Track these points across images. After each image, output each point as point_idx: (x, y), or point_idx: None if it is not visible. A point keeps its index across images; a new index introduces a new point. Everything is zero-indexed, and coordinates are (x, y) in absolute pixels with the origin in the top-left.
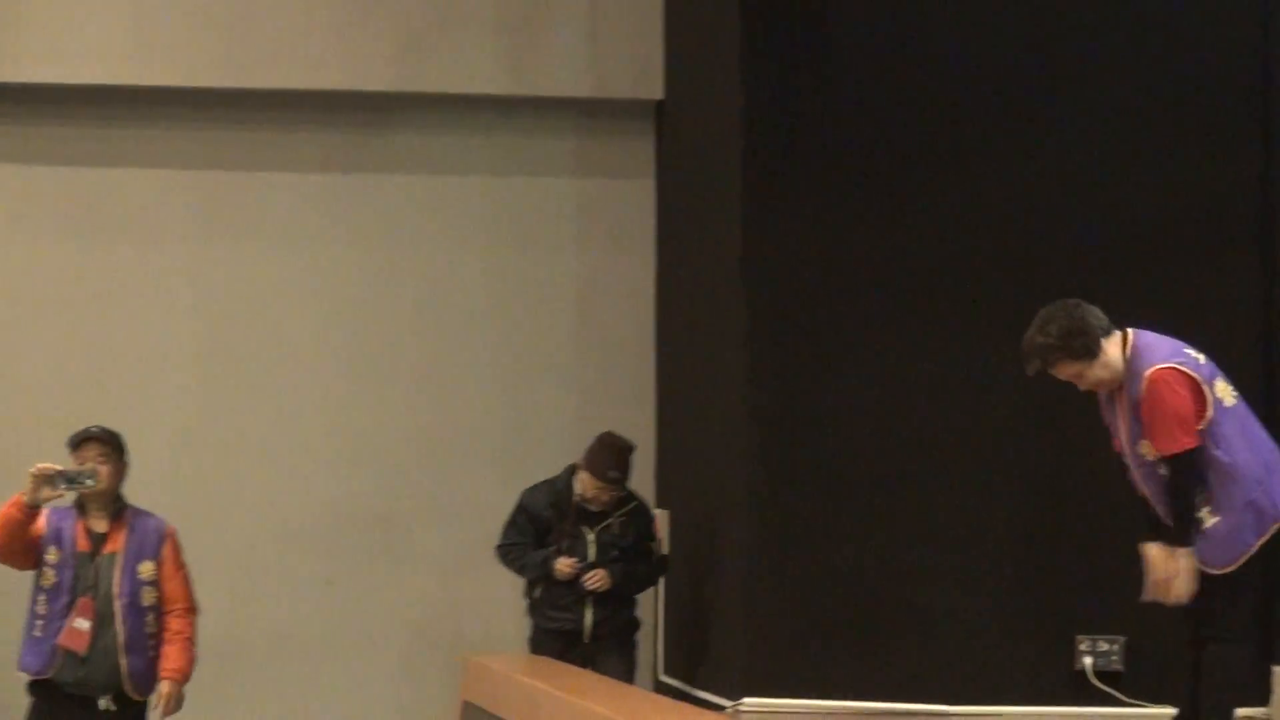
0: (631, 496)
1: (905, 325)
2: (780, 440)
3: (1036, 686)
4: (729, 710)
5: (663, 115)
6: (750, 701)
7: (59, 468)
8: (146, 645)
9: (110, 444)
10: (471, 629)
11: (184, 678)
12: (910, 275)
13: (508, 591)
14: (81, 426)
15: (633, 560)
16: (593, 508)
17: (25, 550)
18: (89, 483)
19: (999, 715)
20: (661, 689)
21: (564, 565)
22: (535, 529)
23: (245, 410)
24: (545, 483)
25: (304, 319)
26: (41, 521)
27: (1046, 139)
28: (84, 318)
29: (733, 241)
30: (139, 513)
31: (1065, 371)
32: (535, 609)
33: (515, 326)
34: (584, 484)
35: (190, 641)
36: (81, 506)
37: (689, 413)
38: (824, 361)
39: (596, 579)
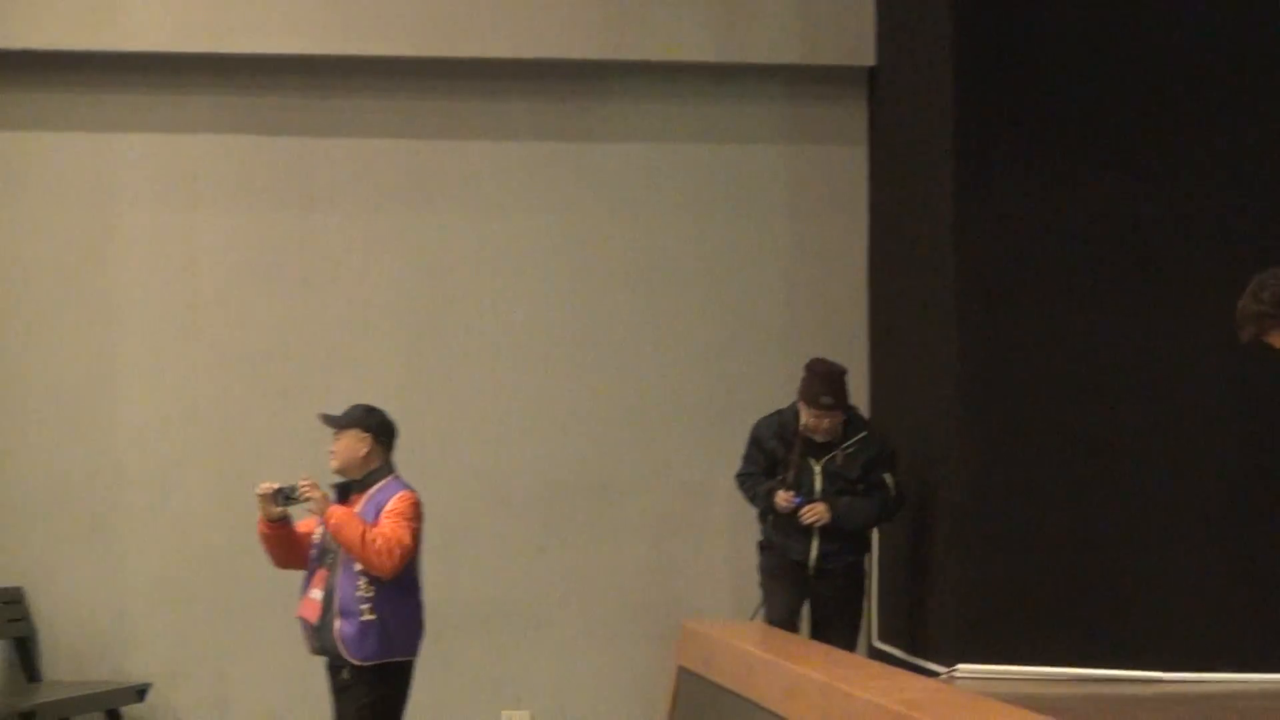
0: (861, 427)
1: (1116, 291)
2: (991, 407)
3: (1249, 652)
4: (943, 676)
5: (875, 81)
6: (964, 668)
7: (276, 486)
8: (358, 610)
9: (336, 425)
10: (683, 595)
11: (337, 514)
12: (1122, 242)
13: (719, 558)
14: (295, 396)
15: (860, 494)
16: (818, 438)
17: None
18: (298, 496)
19: (1212, 682)
20: (875, 655)
21: (781, 498)
22: (765, 459)
23: (457, 380)
24: (775, 413)
25: (515, 288)
26: (313, 521)
27: (1272, 99)
28: (298, 287)
29: (944, 208)
30: (389, 485)
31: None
32: (767, 537)
33: (726, 294)
34: (803, 414)
35: (370, 534)
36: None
37: (901, 380)
38: (1034, 328)
39: (813, 513)
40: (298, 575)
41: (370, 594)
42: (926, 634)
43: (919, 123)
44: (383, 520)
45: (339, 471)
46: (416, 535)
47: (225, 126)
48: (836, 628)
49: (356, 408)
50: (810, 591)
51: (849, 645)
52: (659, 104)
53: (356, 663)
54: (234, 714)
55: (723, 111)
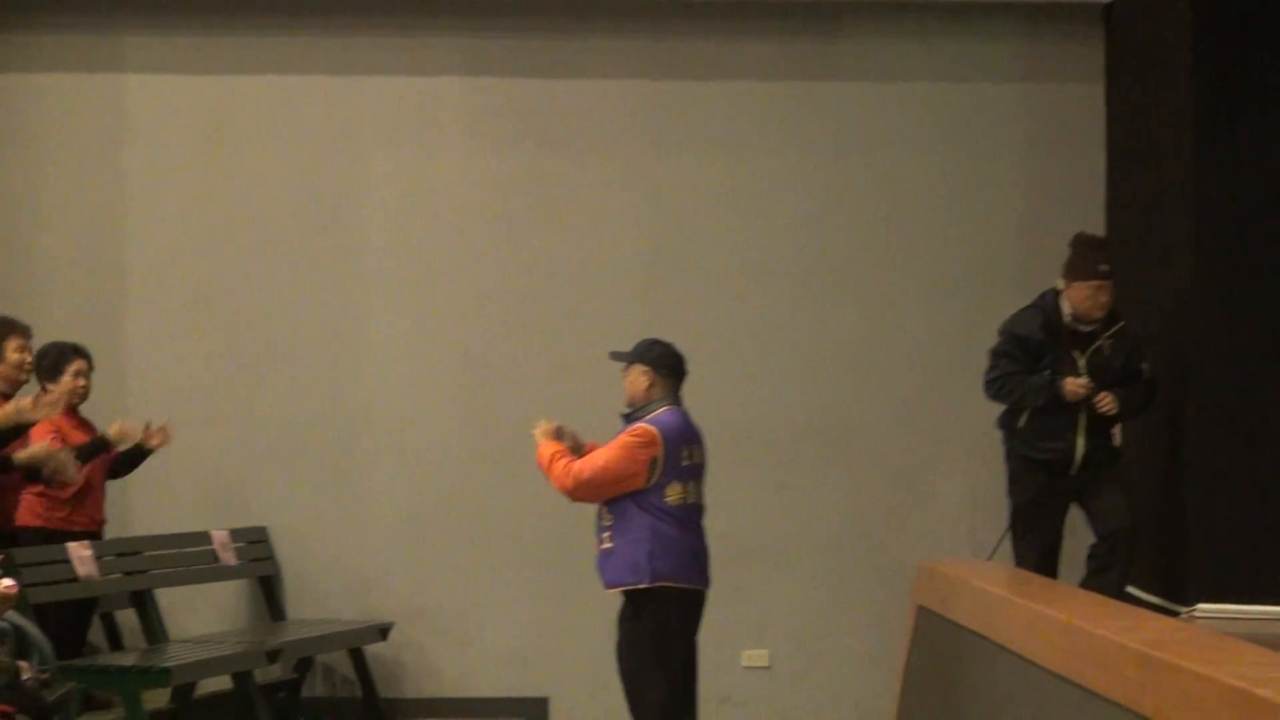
0: (1117, 315)
1: None
2: (1235, 349)
3: None
4: (1183, 615)
5: (1111, 17)
6: (1204, 607)
7: (557, 424)
8: (601, 537)
9: (623, 360)
10: (920, 534)
11: (544, 435)
12: None
13: (956, 498)
14: (534, 336)
15: (1125, 383)
16: (1084, 327)
17: None
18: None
19: None
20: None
21: (1075, 386)
22: (1027, 356)
23: (695, 321)
24: (1030, 308)
25: (751, 229)
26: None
27: None
28: (537, 228)
29: (1183, 149)
30: (649, 417)
31: None
32: (1020, 440)
33: (963, 233)
34: (1074, 297)
35: (556, 459)
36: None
37: (1139, 323)
38: (1275, 272)
39: (1107, 401)
40: (536, 515)
41: (609, 522)
42: (1165, 573)
43: (1156, 59)
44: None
45: (628, 404)
46: (623, 464)
47: (465, 69)
48: (1107, 498)
49: (641, 342)
50: (1072, 491)
51: (1125, 514)
52: (895, 42)
53: (609, 589)
54: (476, 652)
55: (959, 50)
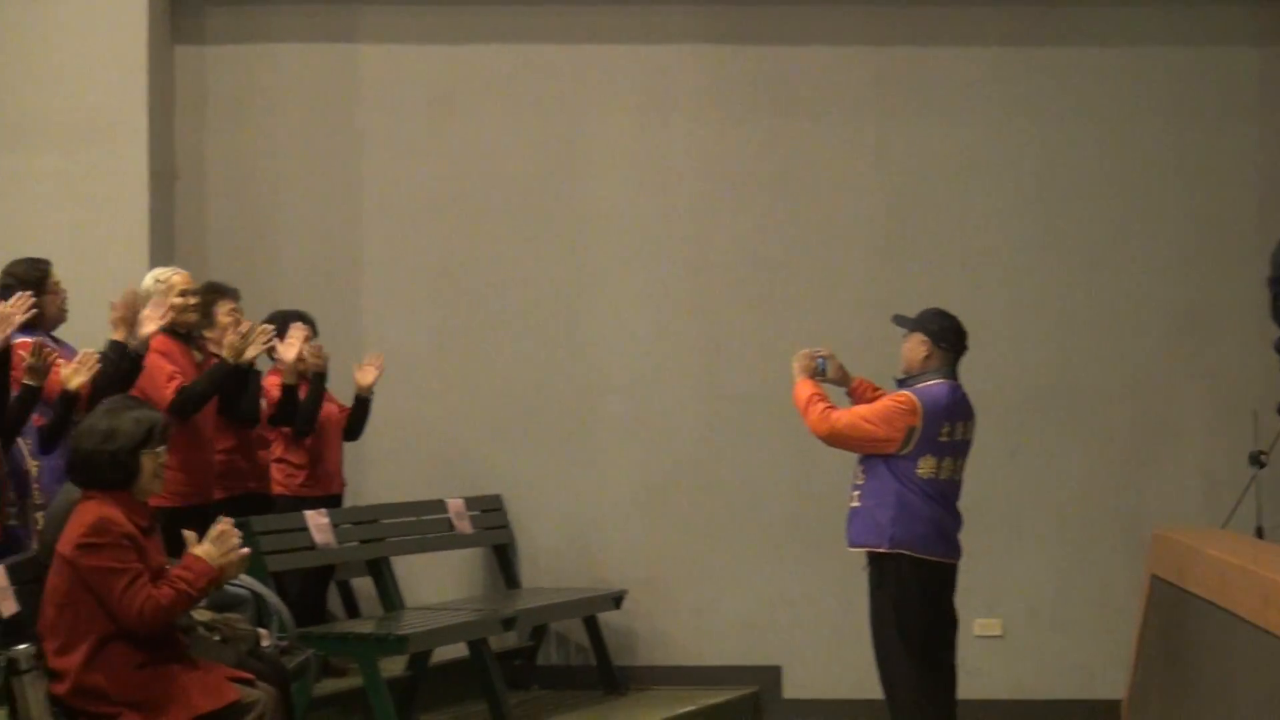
0: None
1: None
2: None
3: None
4: None
5: None
6: None
7: (820, 352)
8: (851, 495)
9: (904, 326)
10: (1154, 503)
11: (803, 371)
12: None
13: (1190, 465)
14: (768, 304)
15: None
16: None
17: None
18: (822, 366)
19: None
20: None
21: None
22: None
23: (927, 285)
24: None
25: (983, 194)
26: None
27: None
28: (769, 194)
29: None
30: (915, 387)
31: None
32: None
33: (1197, 201)
34: None
35: (813, 403)
36: None
37: None
38: None
39: None
40: (769, 483)
41: (860, 481)
42: None
43: None
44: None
45: (903, 370)
46: (879, 426)
47: (698, 36)
48: None
49: (925, 312)
50: None
51: None
52: (1125, 6)
53: (851, 548)
54: (709, 621)
55: (1190, 12)
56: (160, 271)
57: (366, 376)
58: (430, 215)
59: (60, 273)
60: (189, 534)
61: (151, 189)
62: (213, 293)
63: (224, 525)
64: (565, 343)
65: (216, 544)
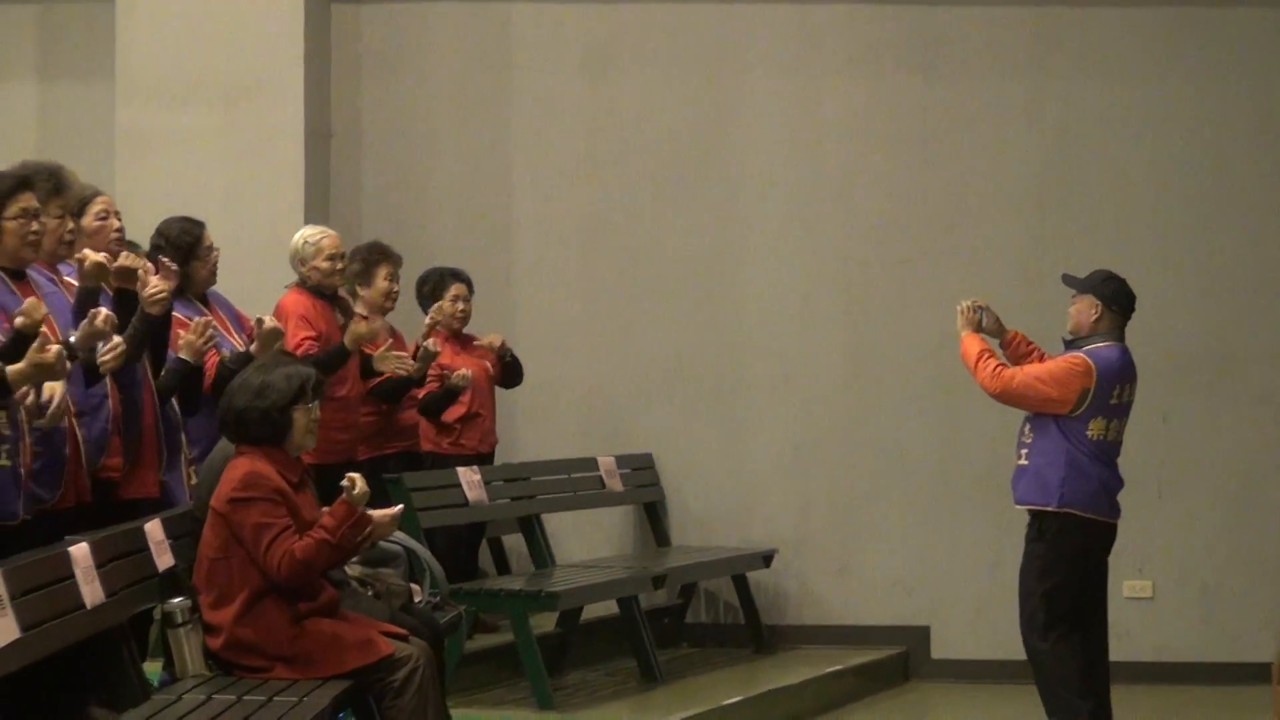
0: None
1: None
2: None
3: None
4: None
5: None
6: None
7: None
8: (1019, 454)
9: (1074, 288)
10: None
11: (968, 325)
12: None
13: None
14: (918, 264)
15: None
16: None
17: None
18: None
19: None
20: None
21: None
22: None
23: (1082, 245)
24: None
25: (1138, 152)
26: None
27: None
28: (921, 154)
29: None
30: (1087, 349)
31: None
32: None
33: None
34: None
35: (984, 360)
36: None
37: None
38: None
39: None
40: (918, 443)
41: (1029, 440)
42: None
43: None
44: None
45: (1071, 331)
46: (1054, 387)
47: None
48: None
49: (1096, 274)
50: None
51: None
52: None
53: (1018, 505)
54: (857, 580)
55: None
56: (309, 232)
57: (494, 341)
58: (581, 174)
59: (216, 231)
60: (351, 478)
61: (307, 147)
62: (378, 254)
63: (353, 476)
64: (715, 302)
65: (363, 490)
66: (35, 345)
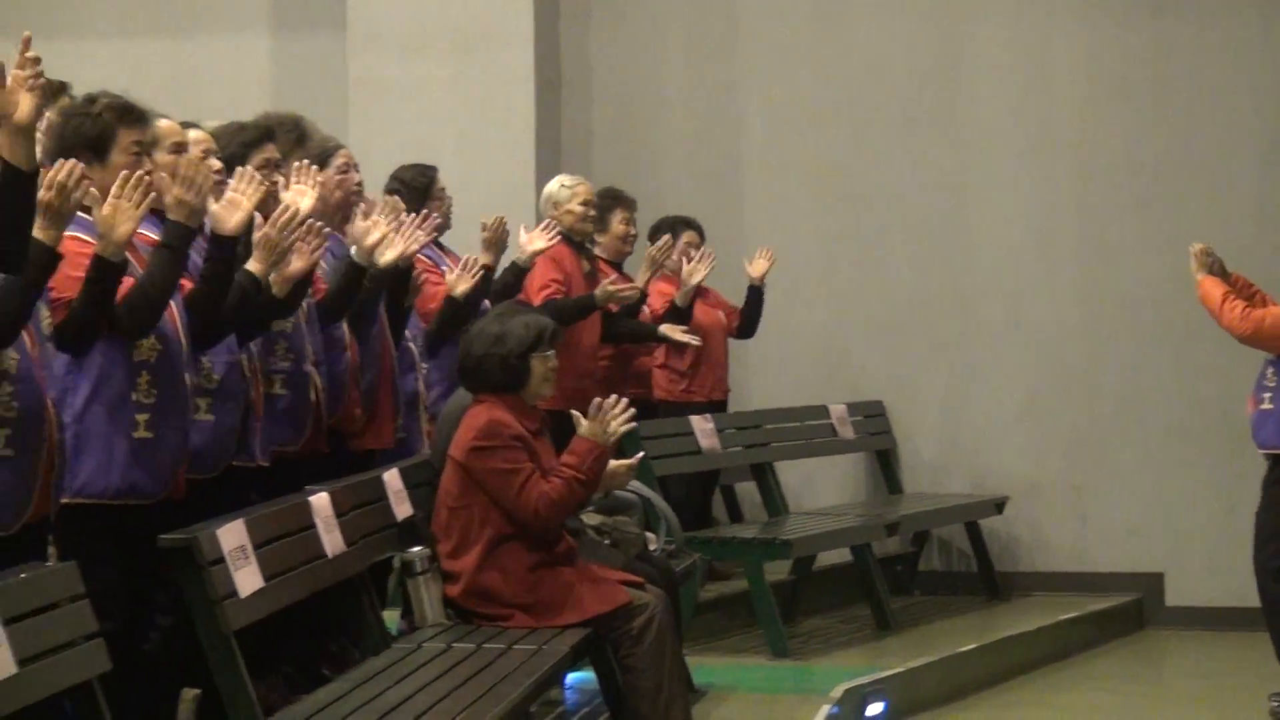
0: None
1: None
2: None
3: None
4: None
5: None
6: None
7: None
8: (1261, 397)
9: None
10: None
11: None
12: None
13: None
14: (1151, 208)
15: None
16: None
17: None
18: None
19: None
20: None
21: None
22: None
23: None
24: None
25: None
26: None
27: None
28: (1152, 97)
29: None
30: None
31: None
32: None
33: None
34: None
35: (1228, 301)
36: None
37: None
38: None
39: None
40: (1152, 388)
41: (1272, 384)
42: None
43: None
44: None
45: None
46: None
47: None
48: None
49: None
50: None
51: None
52: None
53: (1261, 450)
54: (1091, 527)
55: None
56: (565, 179)
57: (758, 268)
58: (811, 120)
59: (448, 179)
60: (576, 414)
61: (538, 96)
62: (611, 199)
63: (602, 400)
64: (946, 248)
65: (597, 421)
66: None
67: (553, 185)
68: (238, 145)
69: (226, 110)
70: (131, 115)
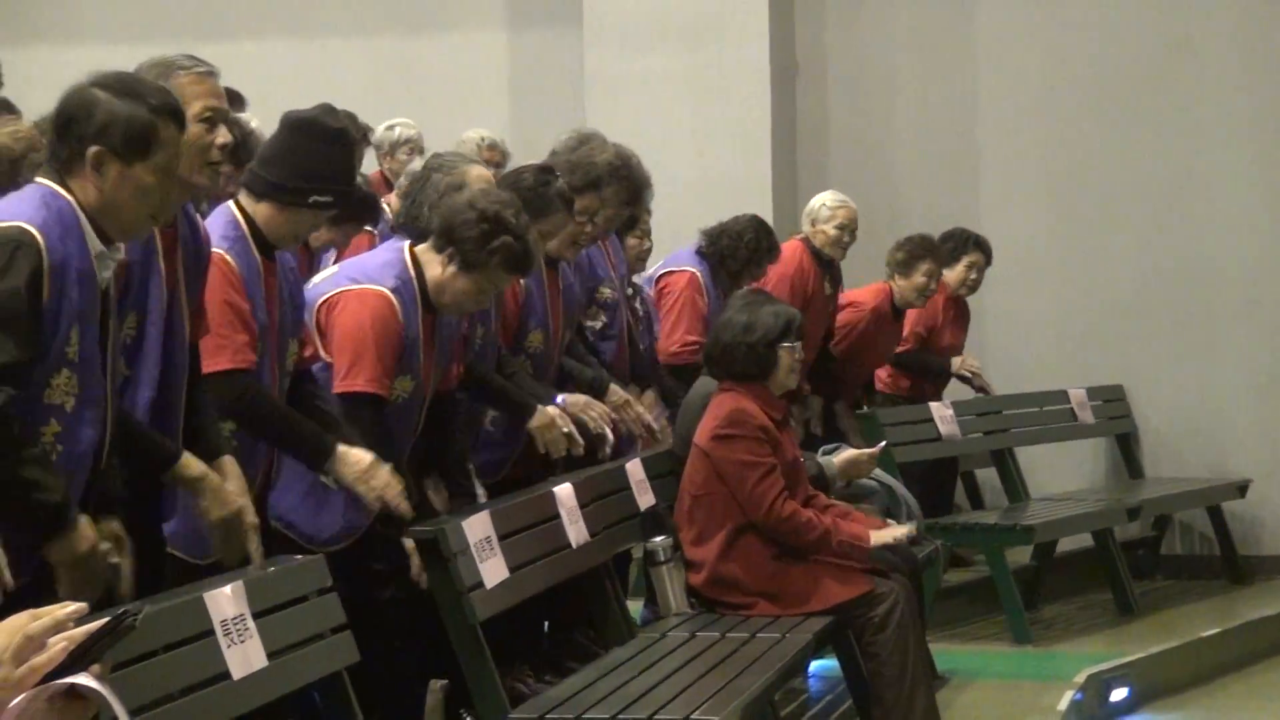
0: None
1: None
2: None
3: None
4: None
5: None
6: None
7: None
8: None
9: None
10: None
11: None
12: None
13: None
14: None
15: None
16: None
17: None
18: None
19: None
20: None
21: None
22: None
23: None
24: None
25: None
26: None
27: None
28: None
29: None
30: None
31: None
32: None
33: None
34: None
35: None
36: None
37: None
38: None
39: None
40: None
41: None
42: None
43: None
44: None
45: None
46: None
47: None
48: None
49: None
50: None
51: None
52: None
53: None
54: None
55: None
56: (830, 198)
57: (967, 366)
58: (1045, 103)
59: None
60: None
61: (773, 85)
62: (923, 250)
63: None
64: (1182, 229)
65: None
66: None
67: (816, 201)
68: None
69: (462, 108)
70: None
